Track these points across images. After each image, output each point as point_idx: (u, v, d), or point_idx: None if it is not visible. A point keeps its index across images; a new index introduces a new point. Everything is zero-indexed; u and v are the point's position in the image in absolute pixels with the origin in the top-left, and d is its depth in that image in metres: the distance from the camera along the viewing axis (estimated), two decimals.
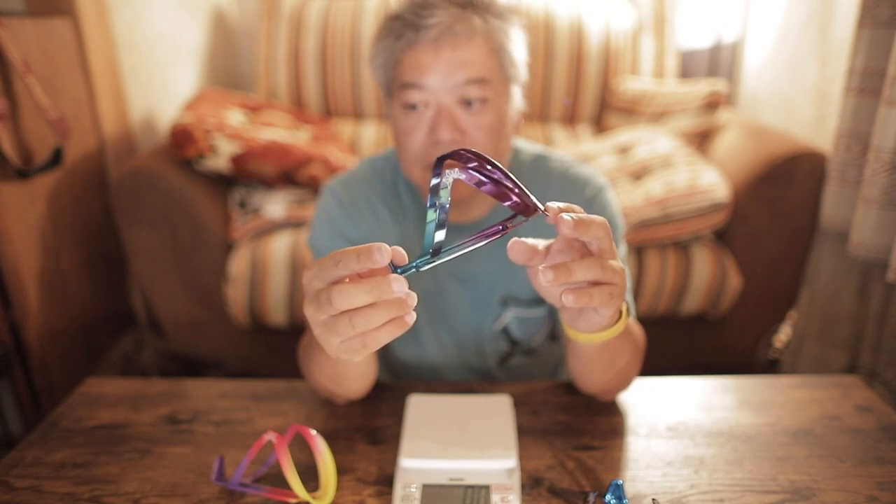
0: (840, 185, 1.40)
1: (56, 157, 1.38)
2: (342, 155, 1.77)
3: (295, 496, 0.62)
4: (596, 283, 0.52)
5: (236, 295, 1.55)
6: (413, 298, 0.47)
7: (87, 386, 0.84)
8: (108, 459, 0.70)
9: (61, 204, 1.48)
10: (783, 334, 1.76)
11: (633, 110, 2.00)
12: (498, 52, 0.79)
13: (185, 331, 1.68)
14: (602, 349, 0.66)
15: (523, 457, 0.69)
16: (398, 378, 1.00)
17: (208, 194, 1.58)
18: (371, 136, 2.05)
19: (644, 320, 1.33)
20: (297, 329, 1.56)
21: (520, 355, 0.95)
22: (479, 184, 0.47)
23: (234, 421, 0.76)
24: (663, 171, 1.63)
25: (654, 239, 1.56)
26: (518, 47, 0.81)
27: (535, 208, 0.48)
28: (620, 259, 0.85)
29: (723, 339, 1.70)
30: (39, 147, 1.38)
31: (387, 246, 0.46)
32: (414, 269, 0.47)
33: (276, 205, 1.60)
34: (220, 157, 1.57)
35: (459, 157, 0.47)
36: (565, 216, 0.49)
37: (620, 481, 0.62)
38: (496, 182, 0.47)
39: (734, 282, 1.58)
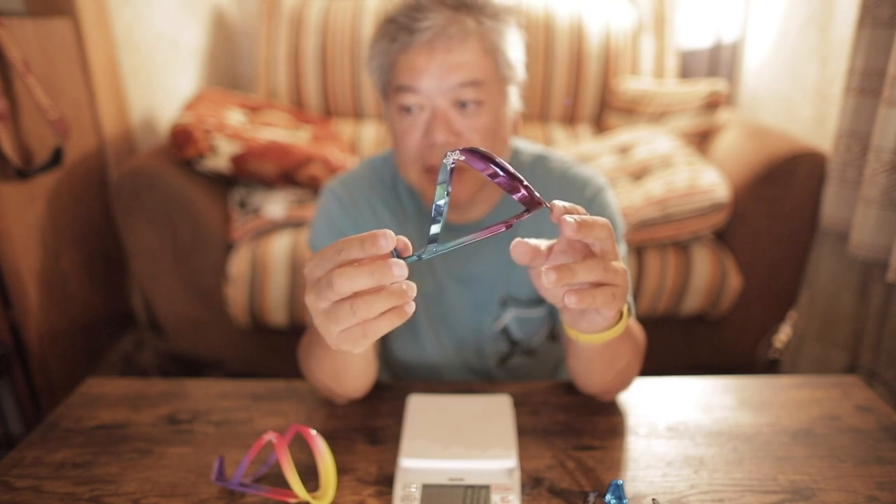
0: (840, 185, 1.40)
1: (56, 157, 1.38)
2: (342, 155, 1.77)
3: (295, 496, 0.62)
4: (598, 284, 0.52)
5: (236, 295, 1.55)
6: (413, 289, 0.47)
7: (87, 386, 0.84)
8: (108, 459, 0.70)
9: (61, 204, 1.48)
10: (783, 334, 1.76)
11: (633, 110, 2.00)
12: (493, 54, 0.78)
13: (185, 331, 1.68)
14: (603, 349, 0.66)
15: (523, 457, 0.69)
16: (398, 378, 1.00)
17: (208, 194, 1.58)
18: (371, 136, 2.05)
19: (644, 320, 1.33)
20: (297, 329, 1.56)
21: (520, 355, 0.95)
22: (494, 174, 0.47)
23: (234, 421, 0.76)
24: (663, 171, 1.64)
25: (654, 239, 1.56)
26: (514, 48, 0.81)
27: (541, 202, 0.48)
28: (621, 259, 0.86)
29: (723, 339, 1.70)
30: (39, 147, 1.38)
31: (391, 232, 0.46)
32: (416, 258, 0.47)
33: (276, 205, 1.60)
34: (220, 157, 1.57)
35: (472, 152, 0.47)
36: (568, 218, 0.49)
37: (620, 481, 0.62)
38: (509, 174, 0.47)
39: (734, 282, 1.58)
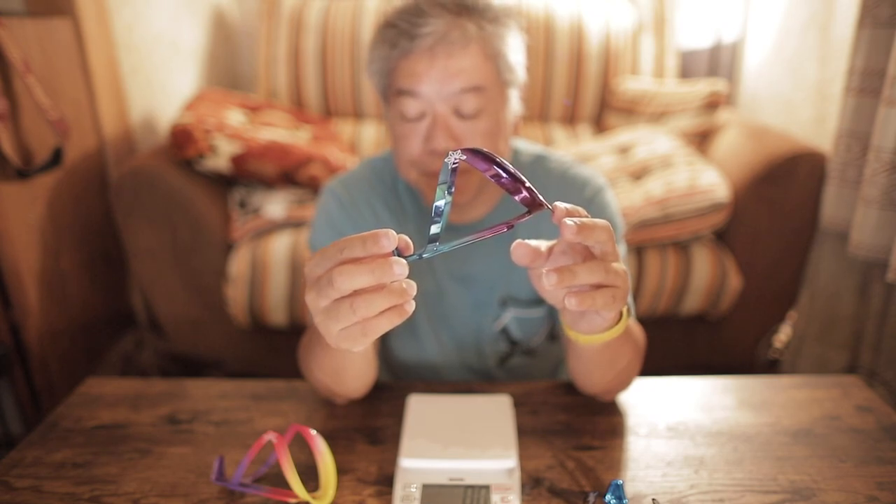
0: (840, 185, 1.40)
1: (56, 157, 1.38)
2: (342, 155, 1.77)
3: (295, 496, 0.62)
4: (598, 286, 0.52)
5: (236, 295, 1.55)
6: (413, 287, 0.47)
7: (87, 386, 0.84)
8: (108, 459, 0.70)
9: (61, 204, 1.48)
10: (783, 334, 1.76)
11: (633, 110, 2.00)
12: (494, 58, 0.78)
13: (185, 331, 1.68)
14: (603, 350, 0.66)
15: (523, 457, 0.69)
16: (398, 378, 1.00)
17: (208, 194, 1.58)
18: (371, 136, 2.05)
19: (644, 320, 1.33)
20: (297, 329, 1.56)
21: (519, 355, 0.95)
22: (496, 175, 0.47)
23: (234, 421, 0.76)
24: (663, 171, 1.63)
25: (654, 239, 1.56)
26: (515, 51, 0.81)
27: (542, 204, 0.48)
28: (621, 260, 0.86)
29: (723, 339, 1.70)
30: (39, 147, 1.38)
31: (393, 232, 0.46)
32: (417, 257, 0.47)
33: (276, 205, 1.60)
34: (220, 157, 1.57)
35: (473, 153, 0.47)
36: (568, 221, 0.49)
37: (620, 481, 0.62)
38: (510, 175, 0.48)
39: (734, 282, 1.58)
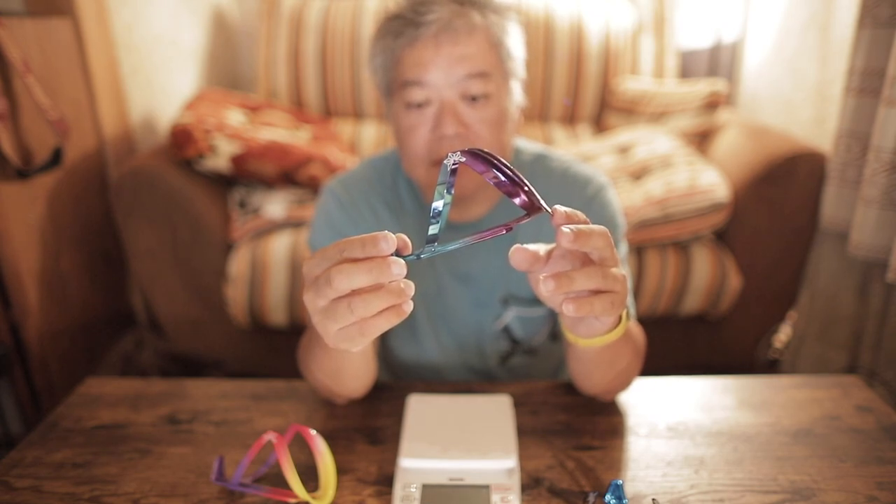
0: (840, 185, 1.40)
1: (56, 157, 1.38)
2: (342, 155, 1.77)
3: (295, 496, 0.62)
4: (597, 292, 0.52)
5: (236, 295, 1.55)
6: (411, 287, 0.47)
7: (86, 386, 0.84)
8: (108, 459, 0.70)
9: (61, 204, 1.48)
10: (783, 334, 1.76)
11: (632, 110, 2.00)
12: (497, 48, 0.79)
13: (185, 331, 1.68)
14: (602, 352, 0.66)
15: (523, 457, 0.69)
16: (398, 378, 1.00)
17: (208, 194, 1.58)
18: (371, 136, 2.05)
19: (644, 320, 1.33)
20: (297, 329, 1.56)
21: (520, 355, 0.95)
22: (494, 178, 0.47)
23: (234, 421, 0.76)
24: (663, 171, 1.64)
25: (654, 239, 1.56)
26: (516, 43, 0.82)
27: (541, 207, 0.48)
28: (621, 259, 0.86)
29: (723, 339, 1.70)
30: (39, 147, 1.38)
31: (392, 235, 0.46)
32: (415, 257, 0.47)
33: (275, 205, 1.60)
34: (220, 157, 1.57)
35: (473, 154, 0.47)
36: (565, 228, 0.49)
37: (620, 481, 0.62)
38: (509, 178, 0.47)
39: (734, 282, 1.58)
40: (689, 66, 2.33)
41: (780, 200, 1.53)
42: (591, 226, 0.51)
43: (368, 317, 0.47)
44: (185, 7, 2.12)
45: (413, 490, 0.63)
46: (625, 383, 0.77)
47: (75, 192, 1.54)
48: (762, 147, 1.58)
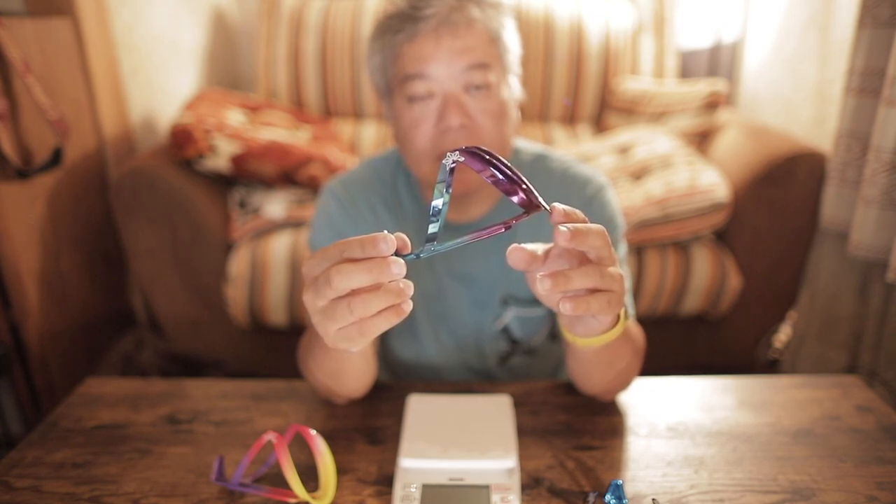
0: (840, 185, 1.40)
1: (56, 157, 1.38)
2: (342, 155, 1.77)
3: (295, 496, 0.62)
4: (594, 290, 0.52)
5: (236, 295, 1.55)
6: (410, 287, 0.48)
7: (86, 386, 0.84)
8: (108, 459, 0.70)
9: (61, 204, 1.48)
10: (783, 334, 1.76)
11: (632, 110, 2.00)
12: (495, 41, 0.80)
13: (185, 331, 1.68)
14: (601, 352, 0.66)
15: (523, 457, 0.69)
16: (398, 378, 1.00)
17: (208, 194, 1.58)
18: (371, 136, 2.05)
19: (644, 320, 1.33)
20: (297, 329, 1.56)
21: (520, 355, 0.95)
22: (492, 176, 0.47)
23: (234, 421, 0.76)
24: (663, 171, 1.63)
25: (654, 239, 1.56)
26: (512, 38, 0.83)
27: (539, 206, 0.48)
28: (620, 258, 0.86)
29: (723, 339, 1.70)
30: (39, 147, 1.38)
31: (392, 236, 0.46)
32: (415, 257, 0.47)
33: (275, 205, 1.60)
34: (220, 157, 1.57)
35: (472, 153, 0.47)
36: (562, 227, 0.49)
37: (620, 481, 0.62)
38: (507, 176, 0.47)
39: (734, 282, 1.58)
40: (689, 66, 2.33)
41: (780, 200, 1.53)
42: (589, 224, 0.51)
43: (368, 317, 0.47)
44: (185, 7, 2.12)
45: (413, 490, 0.63)
46: (624, 383, 0.77)
47: (75, 192, 1.54)
48: (762, 147, 1.58)
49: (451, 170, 0.46)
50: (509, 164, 0.49)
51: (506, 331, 0.92)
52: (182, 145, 1.55)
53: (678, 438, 0.73)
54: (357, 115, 2.15)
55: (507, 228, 0.47)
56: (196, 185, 1.55)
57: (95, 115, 1.61)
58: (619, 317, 0.61)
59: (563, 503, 0.63)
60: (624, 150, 1.79)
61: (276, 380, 0.85)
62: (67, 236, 1.52)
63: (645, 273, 1.56)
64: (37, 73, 1.34)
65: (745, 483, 0.65)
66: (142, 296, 1.78)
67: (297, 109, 2.07)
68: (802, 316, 1.60)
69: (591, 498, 0.63)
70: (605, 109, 2.13)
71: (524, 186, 0.48)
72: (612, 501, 0.61)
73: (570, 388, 0.82)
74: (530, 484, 0.65)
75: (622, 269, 0.70)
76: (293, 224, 1.60)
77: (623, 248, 0.89)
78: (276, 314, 1.58)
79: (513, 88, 0.84)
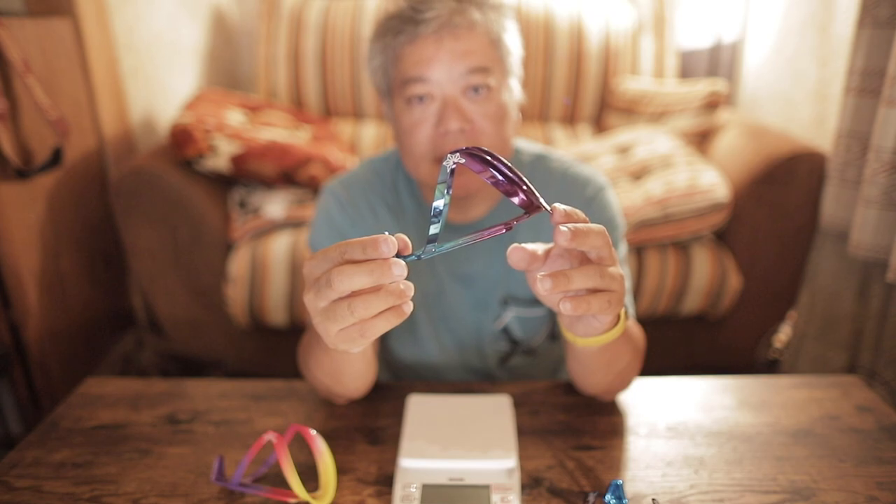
0: (840, 185, 1.40)
1: (56, 157, 1.38)
2: (342, 155, 1.77)
3: (295, 496, 0.62)
4: (594, 290, 0.52)
5: (236, 295, 1.55)
6: (410, 288, 0.48)
7: (86, 386, 0.84)
8: (108, 459, 0.70)
9: (61, 204, 1.48)
10: (783, 334, 1.76)
11: (632, 110, 2.00)
12: (496, 44, 0.79)
13: (185, 331, 1.68)
14: (601, 352, 0.66)
15: (523, 457, 0.69)
16: (398, 378, 1.00)
17: (208, 194, 1.58)
18: (371, 136, 2.05)
19: (644, 320, 1.33)
20: (297, 329, 1.56)
21: (520, 355, 0.95)
22: (492, 178, 0.47)
23: (233, 421, 0.76)
24: (663, 171, 1.64)
25: (654, 239, 1.56)
26: (514, 40, 0.82)
27: (540, 206, 0.48)
28: (620, 259, 0.86)
29: (723, 339, 1.70)
30: (39, 147, 1.38)
31: (393, 238, 0.46)
32: (415, 258, 0.47)
33: (275, 205, 1.60)
34: (220, 156, 1.57)
35: (472, 154, 0.47)
36: (562, 227, 0.49)
37: (620, 481, 0.62)
38: (508, 177, 0.47)
39: (734, 282, 1.58)
40: (689, 66, 2.33)
41: (780, 200, 1.53)
42: (589, 224, 0.51)
43: (368, 318, 0.47)
44: (185, 7, 2.12)
45: (413, 490, 0.63)
46: (624, 383, 0.77)
47: (75, 192, 1.54)
48: (762, 147, 1.58)
49: (452, 171, 0.46)
50: (510, 165, 0.49)
51: (506, 331, 0.92)
52: (182, 145, 1.55)
53: (678, 438, 0.73)
54: (357, 115, 2.15)
55: (507, 229, 0.47)
56: (196, 185, 1.55)
57: (95, 115, 1.61)
58: (619, 317, 0.61)
59: (563, 503, 0.63)
60: (624, 150, 1.79)
61: (276, 380, 0.85)
62: (67, 236, 1.52)
63: (645, 273, 1.56)
64: (37, 73, 1.34)
65: (744, 483, 0.65)
66: (142, 296, 1.78)
67: (297, 109, 2.07)
68: (802, 316, 1.60)
69: (591, 498, 0.63)
70: (605, 109, 2.13)
71: (524, 187, 0.48)
72: (612, 501, 0.61)
73: (570, 388, 0.82)
74: (530, 484, 0.65)
75: (622, 270, 0.70)
76: (293, 224, 1.60)
77: (623, 249, 0.89)
78: (276, 314, 1.58)
79: (513, 91, 0.84)
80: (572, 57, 2.08)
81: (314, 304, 0.49)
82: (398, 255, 0.47)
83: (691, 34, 2.31)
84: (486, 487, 0.63)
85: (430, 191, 0.88)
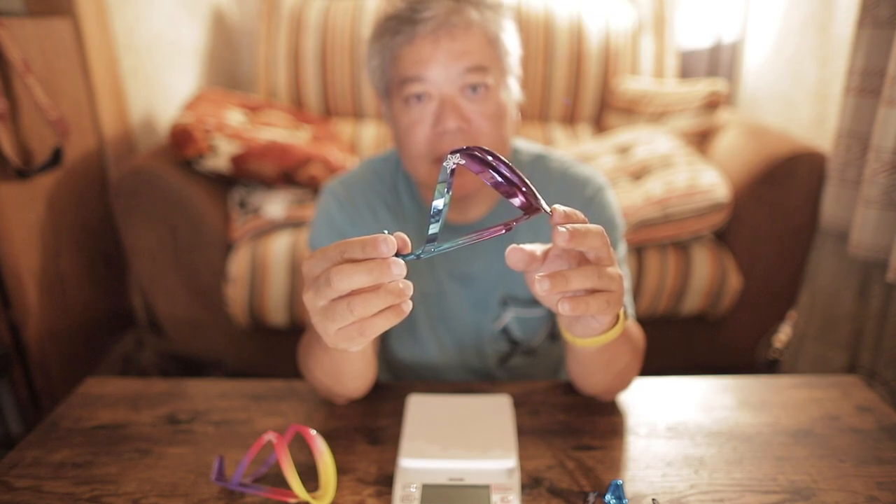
0: (840, 185, 1.40)
1: (56, 157, 1.38)
2: (342, 155, 1.77)
3: (295, 496, 0.62)
4: (593, 291, 0.52)
5: (236, 295, 1.55)
6: (410, 287, 0.48)
7: (86, 386, 0.84)
8: (108, 459, 0.70)
9: (61, 204, 1.48)
10: (783, 334, 1.76)
11: (632, 110, 2.00)
12: (494, 43, 0.79)
13: (185, 331, 1.68)
14: (600, 352, 0.66)
15: (523, 457, 0.69)
16: (398, 378, 1.00)
17: (208, 194, 1.58)
18: (371, 136, 2.05)
19: (644, 320, 1.33)
20: (297, 329, 1.56)
21: (520, 355, 0.95)
22: (491, 179, 0.47)
23: (233, 421, 0.76)
24: (663, 171, 1.64)
25: (654, 239, 1.56)
26: (511, 39, 0.82)
27: (540, 208, 0.48)
28: (620, 259, 0.86)
29: (723, 339, 1.70)
30: (39, 147, 1.38)
31: (392, 238, 0.46)
32: (415, 257, 0.47)
33: (275, 205, 1.60)
34: (220, 156, 1.57)
35: (472, 153, 0.47)
36: (561, 228, 0.49)
37: (620, 481, 0.62)
38: (507, 178, 0.47)
39: (734, 282, 1.58)
40: (689, 66, 2.33)
41: (780, 200, 1.53)
42: (588, 225, 0.51)
43: (368, 316, 0.48)
44: (185, 7, 2.12)
45: (413, 490, 0.63)
46: (624, 383, 0.77)
47: (75, 192, 1.54)
48: (762, 147, 1.58)
49: (452, 171, 0.46)
50: (511, 165, 0.49)
51: (505, 331, 0.92)
52: (182, 145, 1.55)
53: (678, 438, 0.73)
54: (357, 115, 2.15)
55: (507, 230, 0.47)
56: (196, 185, 1.55)
57: (95, 115, 1.61)
58: (618, 317, 0.61)
59: (563, 503, 0.63)
60: (624, 150, 1.79)
61: (276, 380, 0.85)
62: (67, 236, 1.52)
63: (645, 273, 1.56)
64: (37, 73, 1.34)
65: (744, 483, 0.65)
66: (142, 296, 1.78)
67: (297, 109, 2.07)
68: (802, 316, 1.60)
69: (591, 498, 0.63)
70: (605, 109, 2.13)
71: (524, 189, 0.48)
72: (612, 501, 0.61)
73: (570, 388, 0.82)
74: (530, 484, 0.65)
75: (622, 270, 0.70)
76: (293, 224, 1.60)
77: (623, 249, 0.89)
78: (276, 314, 1.58)
79: (512, 90, 0.83)
80: (572, 57, 2.08)
81: (313, 302, 0.49)
82: (397, 255, 0.47)
83: (691, 34, 2.31)
84: (486, 487, 0.63)
85: (429, 191, 0.88)
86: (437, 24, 0.76)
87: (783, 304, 1.68)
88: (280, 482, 0.64)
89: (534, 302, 0.90)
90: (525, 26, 2.05)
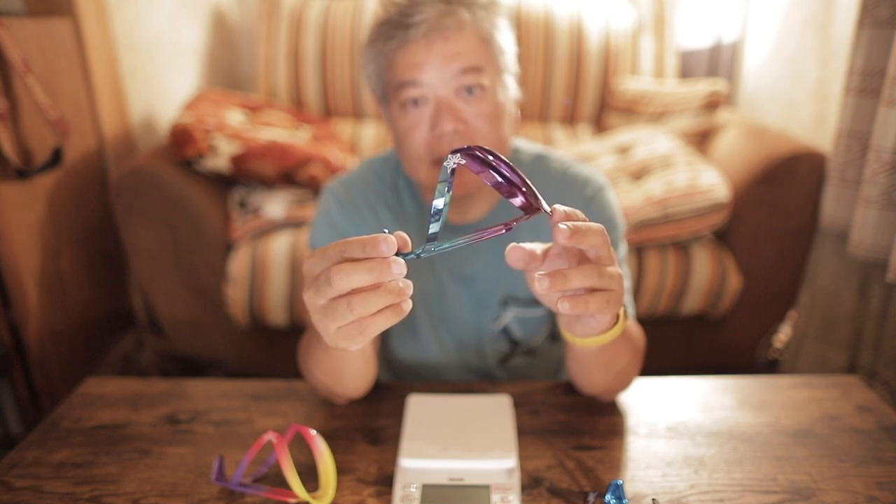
0: (840, 185, 1.40)
1: (56, 157, 1.38)
2: (342, 155, 1.77)
3: (295, 496, 0.62)
4: (593, 290, 0.52)
5: (236, 295, 1.55)
6: (410, 286, 0.48)
7: (86, 386, 0.84)
8: (108, 459, 0.70)
9: (61, 204, 1.48)
10: (783, 334, 1.76)
11: (632, 110, 2.00)
12: (488, 43, 0.79)
13: (185, 331, 1.68)
14: (600, 352, 0.66)
15: (523, 457, 0.69)
16: (398, 378, 1.00)
17: (208, 194, 1.58)
18: (371, 136, 2.05)
19: (644, 320, 1.33)
20: (297, 329, 1.56)
21: (520, 355, 0.95)
22: (492, 179, 0.47)
23: (233, 421, 0.76)
24: (663, 171, 1.64)
25: (654, 239, 1.56)
26: (506, 37, 0.82)
27: (540, 208, 0.48)
28: (620, 259, 0.86)
29: (723, 339, 1.70)
30: (39, 147, 1.38)
31: (392, 237, 0.46)
32: (415, 256, 0.47)
33: (275, 205, 1.60)
34: (220, 156, 1.57)
35: (473, 153, 0.47)
36: (561, 225, 0.49)
37: (620, 481, 0.62)
38: (507, 178, 0.47)
39: (734, 282, 1.58)
40: (689, 66, 2.33)
41: (780, 200, 1.53)
42: (588, 223, 0.51)
43: (368, 315, 0.48)
44: (185, 7, 2.12)
45: (413, 490, 0.63)
46: (624, 383, 0.77)
47: (75, 192, 1.54)
48: (762, 147, 1.58)
49: (453, 171, 0.46)
50: (511, 165, 0.49)
51: (506, 331, 0.92)
52: (182, 145, 1.55)
53: (678, 438, 0.73)
54: (357, 114, 2.15)
55: (507, 229, 0.47)
56: (196, 185, 1.55)
57: (95, 115, 1.61)
58: (618, 317, 0.61)
59: (563, 503, 0.63)
60: (624, 150, 1.79)
61: (276, 380, 0.85)
62: (67, 236, 1.52)
63: (645, 273, 1.56)
64: (37, 73, 1.34)
65: (744, 483, 0.65)
66: (142, 296, 1.78)
67: (297, 109, 2.07)
68: (802, 316, 1.60)
69: (591, 498, 0.63)
70: (605, 109, 2.13)
71: (524, 189, 0.48)
72: (612, 501, 0.61)
73: (570, 388, 0.82)
74: (530, 484, 0.65)
75: (622, 269, 0.70)
76: (293, 224, 1.60)
77: (623, 249, 0.89)
78: (276, 314, 1.58)
79: (509, 89, 0.83)
80: (572, 57, 2.08)
81: (313, 301, 0.49)
82: (398, 254, 0.47)
83: (691, 34, 2.31)
84: (486, 487, 0.63)
85: (429, 192, 0.88)
86: (429, 28, 0.76)
87: (783, 304, 1.68)
88: (280, 482, 0.64)
89: (534, 302, 0.90)
90: (525, 26, 2.05)
